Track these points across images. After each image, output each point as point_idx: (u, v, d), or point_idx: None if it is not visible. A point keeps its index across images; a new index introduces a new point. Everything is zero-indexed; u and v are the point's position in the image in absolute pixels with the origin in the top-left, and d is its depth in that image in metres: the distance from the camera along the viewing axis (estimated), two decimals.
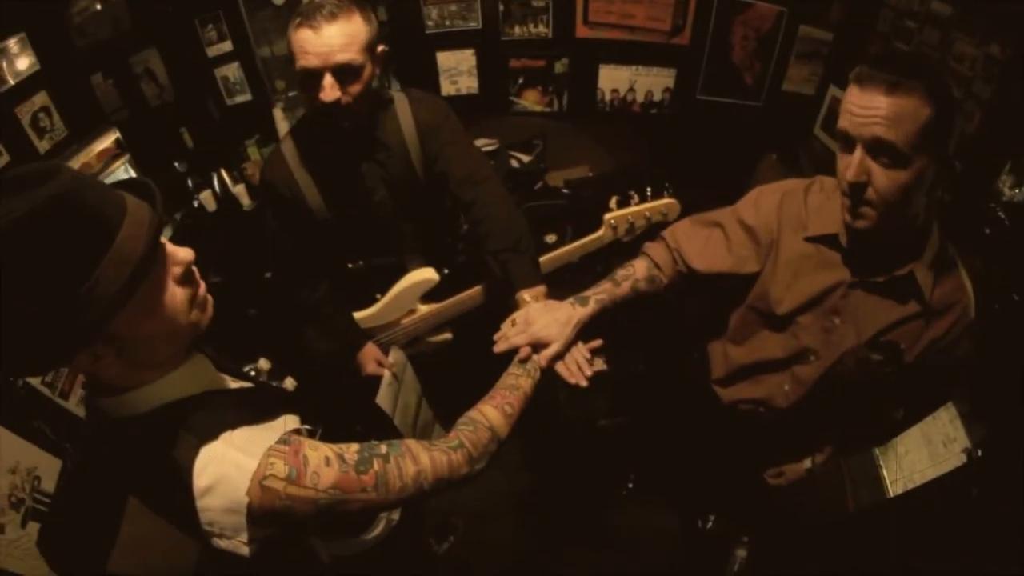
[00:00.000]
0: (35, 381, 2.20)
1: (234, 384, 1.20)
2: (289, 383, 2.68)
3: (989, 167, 2.12)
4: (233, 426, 1.02)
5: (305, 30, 1.60)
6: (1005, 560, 1.72)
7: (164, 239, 0.97)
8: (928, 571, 1.94)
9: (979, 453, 1.95)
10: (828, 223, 1.49)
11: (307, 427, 1.18)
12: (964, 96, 2.26)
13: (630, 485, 2.85)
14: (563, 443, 2.98)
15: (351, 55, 1.64)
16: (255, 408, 1.11)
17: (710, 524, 2.60)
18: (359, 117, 1.78)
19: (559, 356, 1.54)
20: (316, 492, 1.02)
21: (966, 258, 1.56)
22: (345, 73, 1.66)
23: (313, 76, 1.64)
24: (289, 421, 1.15)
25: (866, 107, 1.21)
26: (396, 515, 1.66)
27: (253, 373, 2.69)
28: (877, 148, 1.22)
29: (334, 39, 1.62)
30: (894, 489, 2.24)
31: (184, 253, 1.00)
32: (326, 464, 1.04)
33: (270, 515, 0.99)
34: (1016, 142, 2.05)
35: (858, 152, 1.25)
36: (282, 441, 1.03)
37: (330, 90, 1.65)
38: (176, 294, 0.98)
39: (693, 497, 2.66)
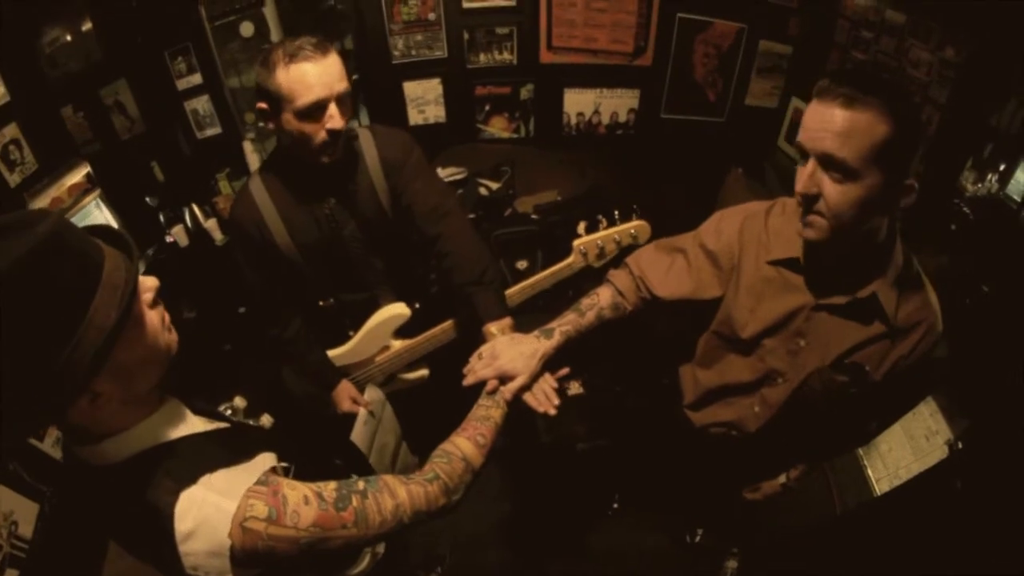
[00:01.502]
0: None
1: (210, 426, 1.19)
2: (266, 420, 2.65)
3: (951, 166, 2.19)
4: (211, 469, 1.03)
5: (303, 64, 1.62)
6: (991, 550, 1.74)
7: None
8: (918, 566, 1.96)
9: (960, 446, 1.99)
10: (789, 247, 1.49)
11: (283, 464, 1.19)
12: (922, 100, 2.34)
13: (615, 505, 2.83)
14: (544, 468, 2.97)
15: (346, 83, 1.69)
16: (232, 449, 1.11)
17: (698, 538, 2.60)
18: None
19: (526, 388, 1.56)
20: (297, 531, 1.03)
21: (934, 257, 1.59)
22: (344, 100, 1.70)
23: (319, 108, 1.66)
24: (266, 459, 1.16)
25: (821, 120, 1.21)
26: (381, 548, 1.66)
27: (229, 412, 2.65)
28: (828, 162, 1.22)
29: (333, 68, 1.66)
30: (880, 487, 2.28)
31: (151, 282, 1.02)
32: (305, 503, 1.06)
33: (253, 556, 1.00)
34: (975, 139, 2.12)
35: (809, 164, 1.25)
36: (260, 482, 1.04)
37: (339, 117, 1.68)
38: (152, 317, 1.00)
39: (678, 513, 2.66)
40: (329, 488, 1.11)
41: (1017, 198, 1.99)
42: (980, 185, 2.11)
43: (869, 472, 2.34)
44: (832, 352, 1.48)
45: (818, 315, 1.48)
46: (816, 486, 2.46)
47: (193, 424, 1.13)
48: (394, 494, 1.17)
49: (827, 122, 1.20)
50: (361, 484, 1.16)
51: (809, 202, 1.28)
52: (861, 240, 1.34)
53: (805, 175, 1.26)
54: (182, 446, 1.06)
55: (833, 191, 1.23)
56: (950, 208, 2.16)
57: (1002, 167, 2.06)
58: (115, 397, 0.96)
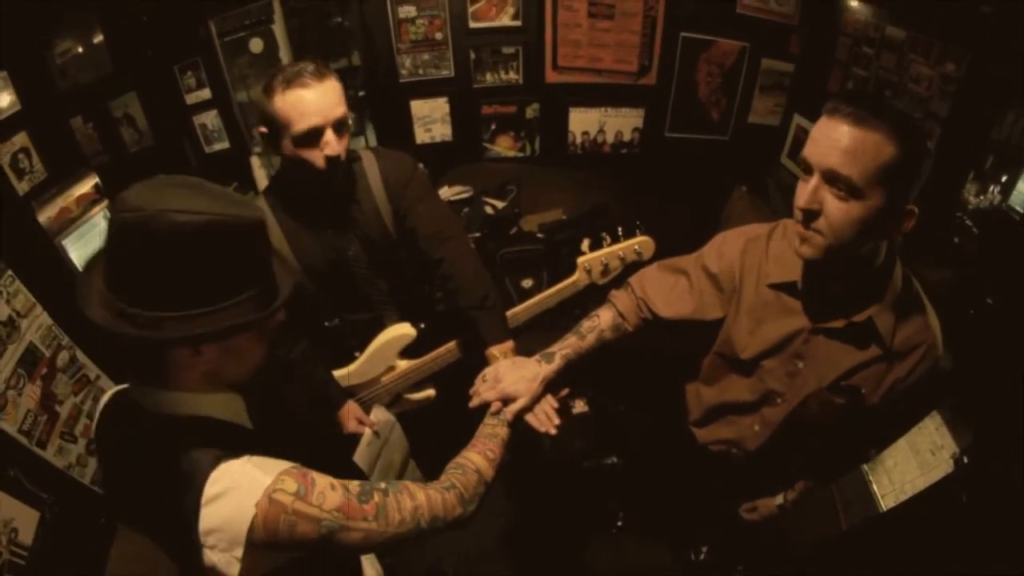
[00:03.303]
0: (11, 429, 2.14)
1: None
2: None
3: (953, 179, 2.19)
4: (253, 452, 1.07)
5: (299, 90, 1.64)
6: (998, 564, 1.72)
7: None
8: None
9: (965, 459, 1.97)
10: (788, 271, 1.50)
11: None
12: (924, 115, 2.35)
13: (619, 523, 2.81)
14: (548, 485, 2.94)
15: (343, 109, 1.71)
16: (268, 450, 1.16)
17: (702, 556, 2.57)
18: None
19: (527, 410, 1.60)
20: (320, 511, 1.05)
21: (937, 271, 1.59)
22: (341, 127, 1.72)
23: (315, 135, 1.68)
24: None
25: (829, 137, 1.21)
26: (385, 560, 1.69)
27: None
28: (832, 178, 1.21)
29: (329, 95, 1.67)
30: (886, 503, 2.25)
31: (281, 315, 1.13)
32: (331, 488, 1.09)
33: (273, 532, 1.01)
34: (976, 152, 2.13)
35: (814, 179, 1.25)
36: (293, 466, 1.09)
37: (336, 144, 1.70)
38: (264, 345, 1.14)
39: (683, 531, 2.63)
40: (353, 483, 1.14)
41: (1020, 209, 1.99)
42: (982, 197, 2.12)
43: (875, 487, 2.32)
44: (829, 375, 1.48)
45: (816, 338, 1.49)
46: (821, 503, 2.43)
47: (245, 420, 1.19)
48: (413, 496, 1.20)
49: (835, 139, 1.19)
50: (383, 484, 1.19)
51: (809, 218, 1.27)
52: (858, 264, 1.34)
53: (808, 190, 1.25)
54: (234, 429, 1.13)
55: (835, 208, 1.22)
56: (953, 221, 2.17)
57: (1004, 179, 2.07)
58: (209, 368, 1.05)
